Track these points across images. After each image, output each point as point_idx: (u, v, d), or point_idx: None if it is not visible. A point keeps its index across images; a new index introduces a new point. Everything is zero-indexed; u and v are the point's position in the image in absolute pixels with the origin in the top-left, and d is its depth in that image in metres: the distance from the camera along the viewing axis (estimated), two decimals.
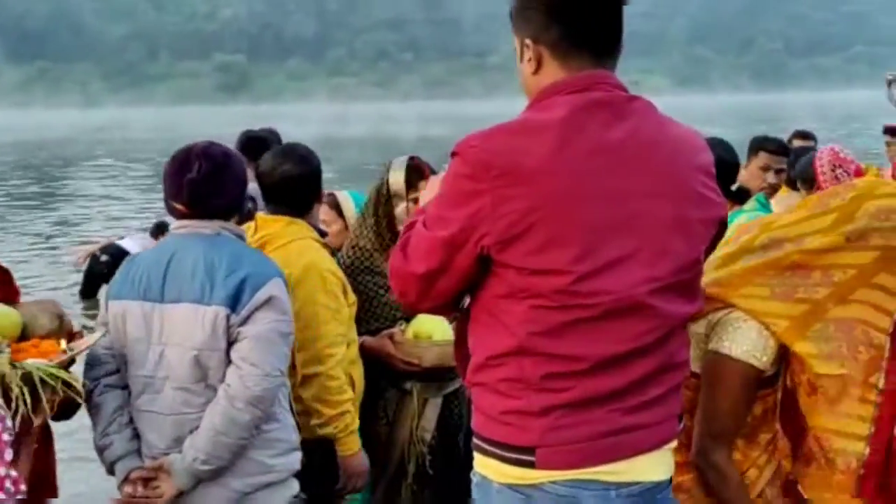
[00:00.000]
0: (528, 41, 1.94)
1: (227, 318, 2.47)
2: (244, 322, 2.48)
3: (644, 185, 1.85)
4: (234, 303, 2.48)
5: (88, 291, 9.43)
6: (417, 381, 3.30)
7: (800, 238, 2.17)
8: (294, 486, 2.67)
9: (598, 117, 1.85)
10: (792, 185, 4.39)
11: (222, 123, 25.76)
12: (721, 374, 2.19)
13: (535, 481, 1.85)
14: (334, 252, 3.35)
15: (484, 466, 1.93)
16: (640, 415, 1.87)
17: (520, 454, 1.86)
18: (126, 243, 9.28)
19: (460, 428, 3.49)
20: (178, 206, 2.59)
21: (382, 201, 3.34)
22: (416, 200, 3.24)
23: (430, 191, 2.13)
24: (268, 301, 2.50)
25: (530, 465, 1.85)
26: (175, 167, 2.59)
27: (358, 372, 3.15)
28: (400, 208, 3.31)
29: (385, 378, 3.33)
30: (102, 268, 9.16)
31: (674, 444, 1.97)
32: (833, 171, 3.52)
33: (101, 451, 2.63)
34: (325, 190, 4.29)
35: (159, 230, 9.14)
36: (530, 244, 1.80)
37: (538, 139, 1.82)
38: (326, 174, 3.39)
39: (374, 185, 3.40)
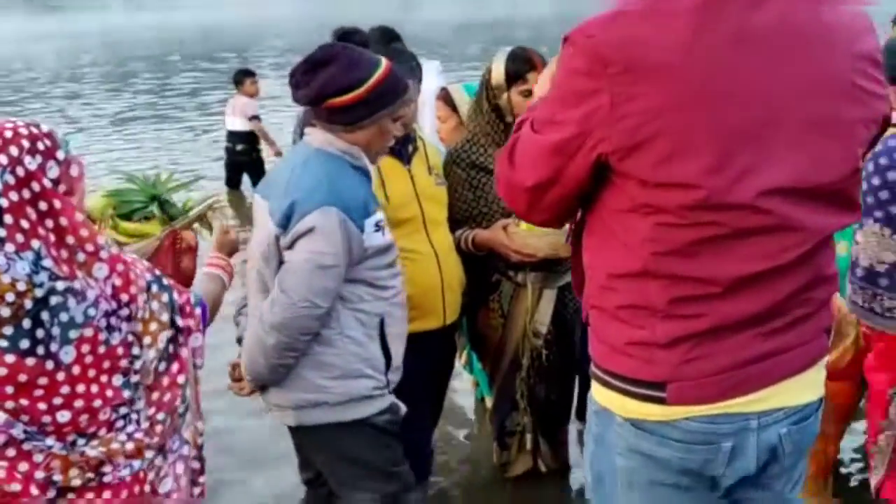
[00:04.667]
0: None
1: (277, 238, 2.50)
2: (289, 247, 2.49)
3: (792, 80, 1.57)
4: (285, 225, 2.49)
5: (233, 181, 9.53)
6: (531, 272, 3.24)
7: None
8: (362, 411, 2.64)
9: None
10: None
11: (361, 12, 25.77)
12: None
13: (665, 418, 1.68)
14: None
15: (605, 398, 1.77)
16: (783, 337, 1.66)
17: (648, 389, 1.68)
18: (230, 123, 9.35)
19: (576, 321, 3.45)
20: None
21: (487, 93, 3.25)
22: (523, 93, 3.17)
23: (542, 85, 1.95)
24: (310, 231, 2.46)
25: (661, 401, 1.67)
26: None
27: None
28: (502, 100, 3.21)
29: (498, 271, 3.29)
30: (240, 156, 9.32)
31: (824, 360, 1.78)
32: None
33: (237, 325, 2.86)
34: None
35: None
36: (656, 153, 1.56)
37: (667, 28, 1.55)
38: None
39: (481, 76, 3.32)
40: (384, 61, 2.58)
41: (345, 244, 2.47)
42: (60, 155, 1.75)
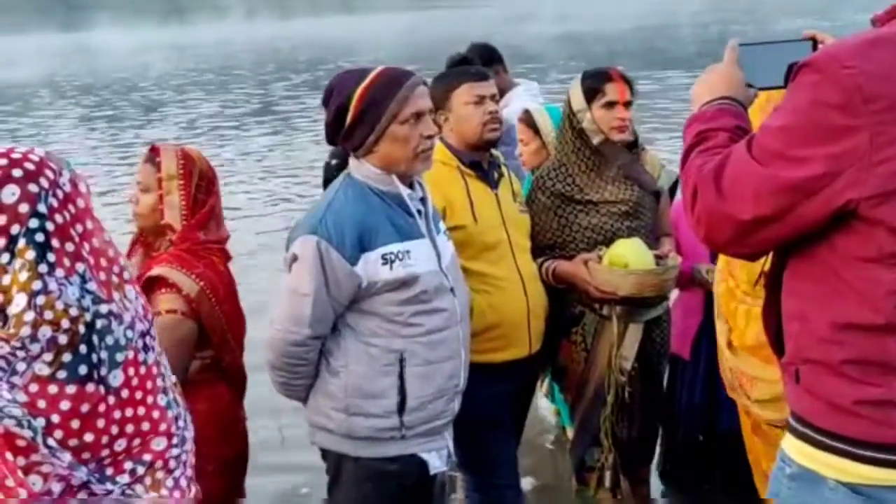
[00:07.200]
0: None
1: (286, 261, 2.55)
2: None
3: None
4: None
5: None
6: (617, 305, 3.13)
7: None
8: (368, 451, 2.53)
9: None
10: None
11: (468, 25, 25.80)
12: None
13: None
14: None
15: (814, 460, 1.62)
16: None
17: (881, 452, 1.55)
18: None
19: (663, 357, 3.35)
20: None
21: (570, 121, 3.20)
22: (605, 105, 3.12)
23: (705, 89, 1.79)
24: (293, 259, 2.46)
25: (894, 465, 1.55)
26: None
27: None
28: (586, 122, 3.15)
29: (582, 303, 3.19)
30: (336, 172, 9.45)
31: None
32: None
33: None
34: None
35: None
36: None
37: None
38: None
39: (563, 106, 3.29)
40: (371, 73, 2.48)
41: (322, 274, 2.41)
42: (66, 175, 1.70)
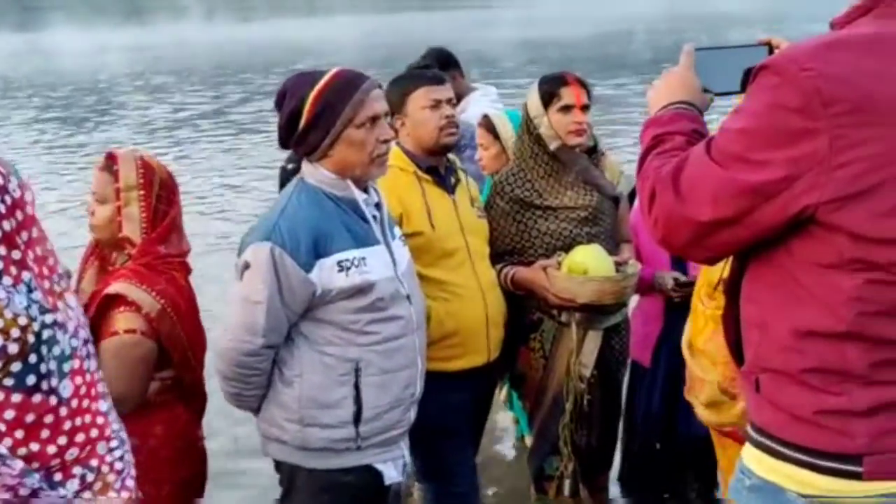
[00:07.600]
0: None
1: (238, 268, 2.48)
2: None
3: None
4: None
5: None
6: (576, 311, 3.10)
7: None
8: (322, 462, 2.47)
9: None
10: None
11: (430, 29, 25.79)
12: None
13: (858, 494, 1.52)
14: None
15: (772, 471, 1.60)
16: None
17: (840, 463, 1.52)
18: None
19: (622, 364, 3.33)
20: None
21: (528, 126, 3.18)
22: (561, 110, 3.10)
23: (661, 93, 1.78)
24: (245, 266, 2.37)
25: (855, 476, 1.51)
26: None
27: None
28: (543, 127, 3.12)
29: (540, 309, 3.16)
30: (292, 175, 9.28)
31: None
32: None
33: None
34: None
35: None
36: (877, 204, 1.42)
37: None
38: None
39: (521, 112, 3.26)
40: (325, 75, 2.42)
41: (276, 281, 2.34)
42: (15, 181, 1.65)
